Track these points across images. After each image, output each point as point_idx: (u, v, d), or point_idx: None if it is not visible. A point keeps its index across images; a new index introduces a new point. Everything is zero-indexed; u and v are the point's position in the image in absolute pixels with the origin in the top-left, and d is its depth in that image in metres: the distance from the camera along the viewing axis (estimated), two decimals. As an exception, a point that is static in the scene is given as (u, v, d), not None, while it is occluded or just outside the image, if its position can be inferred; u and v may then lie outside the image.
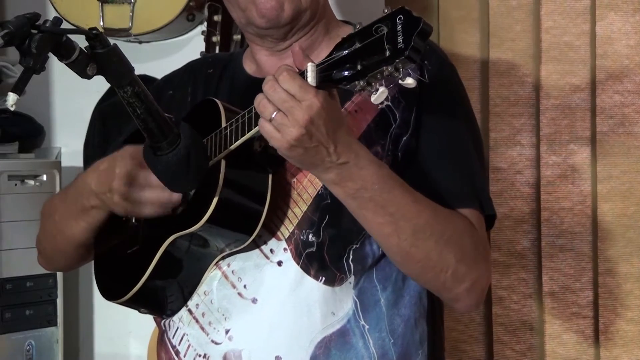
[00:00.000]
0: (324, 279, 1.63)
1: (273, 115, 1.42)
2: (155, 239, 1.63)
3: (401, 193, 1.54)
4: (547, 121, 2.51)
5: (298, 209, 1.64)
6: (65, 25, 1.44)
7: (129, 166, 1.60)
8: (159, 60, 2.74)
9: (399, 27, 1.32)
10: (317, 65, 1.41)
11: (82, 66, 1.45)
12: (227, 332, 1.66)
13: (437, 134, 1.67)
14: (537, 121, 2.52)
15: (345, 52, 1.38)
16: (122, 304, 1.71)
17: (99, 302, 1.76)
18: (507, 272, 2.56)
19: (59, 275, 2.72)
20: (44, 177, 2.71)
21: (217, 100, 1.65)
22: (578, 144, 2.51)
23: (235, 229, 1.61)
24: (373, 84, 1.36)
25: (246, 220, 1.60)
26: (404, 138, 1.66)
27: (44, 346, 2.67)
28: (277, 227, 1.65)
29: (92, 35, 1.44)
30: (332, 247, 1.63)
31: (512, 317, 2.56)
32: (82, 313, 2.95)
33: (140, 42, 2.78)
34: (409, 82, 1.35)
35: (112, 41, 1.47)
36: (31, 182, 2.68)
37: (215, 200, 1.55)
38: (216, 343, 1.67)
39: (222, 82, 1.81)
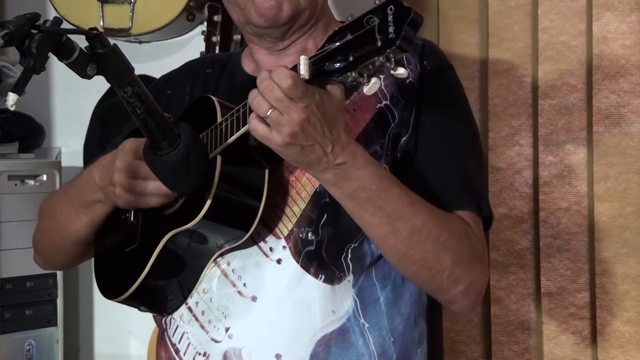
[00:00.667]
0: (323, 277, 1.63)
1: (268, 113, 1.42)
2: (153, 236, 1.63)
3: (398, 194, 1.54)
4: (544, 121, 2.50)
5: (297, 206, 1.64)
6: (65, 25, 1.43)
7: (130, 158, 1.60)
8: (159, 60, 2.75)
9: (390, 18, 1.33)
10: (310, 58, 1.41)
11: (82, 66, 1.44)
12: (227, 330, 1.66)
13: (435, 135, 1.67)
14: (535, 121, 2.52)
15: (337, 44, 1.38)
16: (121, 302, 1.71)
17: (99, 302, 1.76)
18: (506, 272, 2.55)
19: (59, 275, 2.72)
20: (44, 177, 2.71)
21: (212, 97, 1.65)
22: (575, 144, 2.50)
23: (232, 224, 1.61)
24: (365, 74, 1.36)
25: (243, 216, 1.60)
26: (403, 138, 1.66)
27: (44, 346, 2.67)
28: (276, 225, 1.65)
29: (92, 35, 1.44)
30: (330, 246, 1.63)
31: (510, 317, 2.55)
32: (82, 313, 2.95)
33: (140, 42, 2.78)
34: (401, 72, 1.36)
35: (112, 41, 1.47)
36: (31, 182, 2.69)
37: (211, 195, 1.55)
38: (216, 341, 1.67)
39: (220, 81, 1.81)
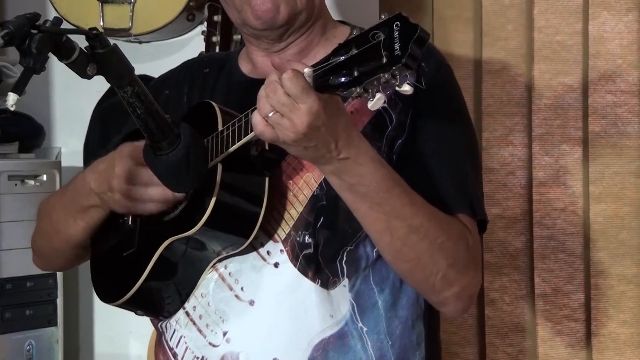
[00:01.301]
0: (320, 281, 1.63)
1: (270, 115, 1.41)
2: (152, 242, 1.63)
3: (398, 193, 1.54)
4: (540, 121, 2.50)
5: (294, 210, 1.64)
6: (65, 25, 1.44)
7: (128, 164, 1.60)
8: (159, 60, 2.74)
9: (396, 34, 1.31)
10: (314, 72, 1.40)
11: (82, 66, 1.44)
12: (224, 334, 1.66)
13: (431, 138, 1.67)
14: (529, 121, 2.52)
15: (342, 58, 1.37)
16: (119, 306, 1.71)
17: (99, 302, 1.76)
18: (500, 274, 2.54)
19: (59, 275, 2.72)
20: (44, 177, 2.71)
21: (213, 103, 1.65)
22: (570, 145, 2.50)
23: (232, 232, 1.61)
24: (370, 90, 1.34)
25: (243, 224, 1.60)
26: (399, 141, 1.66)
27: (44, 346, 2.67)
28: (273, 229, 1.64)
29: (92, 35, 1.44)
30: (326, 249, 1.63)
31: (504, 319, 2.55)
32: (82, 313, 2.95)
33: (140, 42, 2.78)
34: (406, 89, 1.34)
35: (112, 41, 1.47)
36: (31, 182, 2.69)
37: (212, 203, 1.55)
38: (214, 345, 1.67)
39: (218, 82, 1.81)
